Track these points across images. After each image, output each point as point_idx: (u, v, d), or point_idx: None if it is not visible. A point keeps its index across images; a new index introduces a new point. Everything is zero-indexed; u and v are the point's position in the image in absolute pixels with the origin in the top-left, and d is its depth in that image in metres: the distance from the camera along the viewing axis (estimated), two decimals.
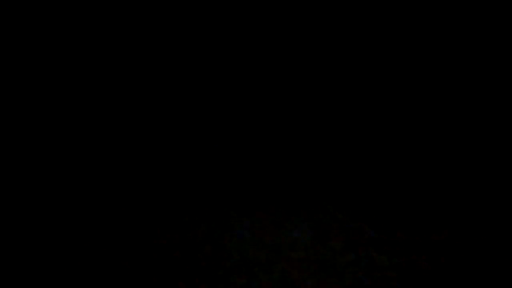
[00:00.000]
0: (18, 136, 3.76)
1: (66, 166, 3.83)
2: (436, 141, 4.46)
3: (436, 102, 4.10)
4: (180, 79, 4.14)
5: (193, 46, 3.95)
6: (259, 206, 3.66)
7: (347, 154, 4.34)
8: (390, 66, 3.83)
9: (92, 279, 2.94)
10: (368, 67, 3.99)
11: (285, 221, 3.49)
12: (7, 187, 3.53)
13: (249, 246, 3.25)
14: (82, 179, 3.84)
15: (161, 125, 4.24)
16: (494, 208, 3.69)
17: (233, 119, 4.52)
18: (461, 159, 4.30)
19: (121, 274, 2.99)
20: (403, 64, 3.77)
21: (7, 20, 3.87)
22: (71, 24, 4.01)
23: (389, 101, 4.29)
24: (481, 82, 3.66)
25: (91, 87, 4.08)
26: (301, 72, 4.14)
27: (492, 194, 3.85)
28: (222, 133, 4.43)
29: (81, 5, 4.01)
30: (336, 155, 4.31)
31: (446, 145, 4.42)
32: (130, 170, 4.02)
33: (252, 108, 4.51)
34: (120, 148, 4.14)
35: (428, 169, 4.15)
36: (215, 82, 4.16)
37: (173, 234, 3.34)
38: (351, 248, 3.23)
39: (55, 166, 3.82)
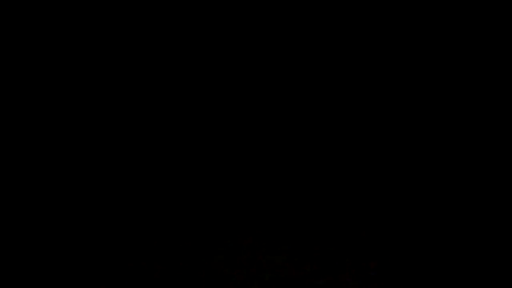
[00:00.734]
0: (18, 136, 3.80)
1: (65, 170, 3.87)
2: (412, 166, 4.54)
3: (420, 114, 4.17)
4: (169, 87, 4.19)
5: (192, 46, 4.01)
6: (238, 228, 3.72)
7: (327, 178, 4.40)
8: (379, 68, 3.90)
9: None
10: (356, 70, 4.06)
11: (262, 243, 3.54)
12: (7, 187, 3.56)
13: (225, 265, 3.30)
14: (80, 185, 3.88)
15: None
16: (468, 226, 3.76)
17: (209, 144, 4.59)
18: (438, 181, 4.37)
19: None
20: (394, 66, 3.85)
21: (7, 20, 3.92)
22: (71, 24, 4.06)
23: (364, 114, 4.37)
24: (480, 83, 3.73)
25: (91, 87, 4.13)
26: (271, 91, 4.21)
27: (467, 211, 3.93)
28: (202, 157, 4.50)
29: (81, 5, 4.07)
30: (316, 178, 4.38)
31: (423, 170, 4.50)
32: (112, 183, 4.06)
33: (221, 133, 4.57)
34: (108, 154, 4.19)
35: (404, 196, 4.22)
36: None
37: (154, 250, 3.38)
38: (325, 273, 3.29)
39: (54, 169, 3.86)
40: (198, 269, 3.25)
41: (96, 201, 3.84)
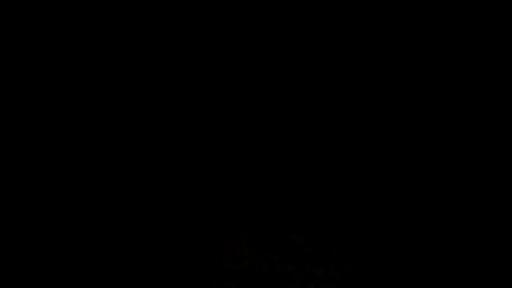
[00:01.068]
0: (18, 136, 3.81)
1: (64, 169, 3.89)
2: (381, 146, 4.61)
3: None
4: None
5: (191, 46, 4.03)
6: (200, 220, 3.77)
7: (288, 167, 4.46)
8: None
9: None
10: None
11: (225, 235, 3.60)
12: (7, 187, 3.57)
13: (189, 259, 3.35)
14: (76, 181, 3.90)
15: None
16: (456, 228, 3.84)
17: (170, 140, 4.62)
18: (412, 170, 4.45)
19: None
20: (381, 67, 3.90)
21: (7, 20, 3.91)
22: (71, 24, 4.07)
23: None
24: (480, 83, 3.79)
25: (90, 87, 4.14)
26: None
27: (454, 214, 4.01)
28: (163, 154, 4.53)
29: (81, 5, 4.07)
30: (276, 168, 4.44)
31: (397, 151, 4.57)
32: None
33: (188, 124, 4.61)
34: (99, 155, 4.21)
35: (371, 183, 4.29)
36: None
37: (115, 244, 3.42)
38: (289, 261, 3.36)
39: (53, 168, 3.88)
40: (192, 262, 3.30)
41: (93, 202, 3.87)
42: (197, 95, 4.20)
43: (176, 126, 4.71)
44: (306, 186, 4.25)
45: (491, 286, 3.15)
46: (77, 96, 4.07)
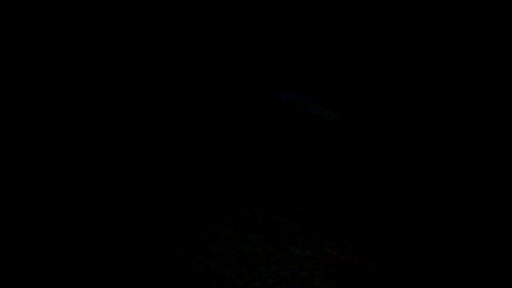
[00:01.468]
0: (16, 136, 3.81)
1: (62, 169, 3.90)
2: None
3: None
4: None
5: (187, 45, 4.03)
6: (179, 200, 3.80)
7: (268, 148, 4.50)
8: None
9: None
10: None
11: (205, 216, 3.64)
12: (6, 187, 3.58)
13: (169, 241, 3.39)
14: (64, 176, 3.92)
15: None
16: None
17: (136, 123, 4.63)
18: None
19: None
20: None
21: (7, 20, 3.91)
22: (71, 24, 4.06)
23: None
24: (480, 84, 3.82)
25: (86, 85, 4.14)
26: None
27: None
28: (133, 136, 4.54)
29: (81, 5, 4.06)
30: (257, 149, 4.47)
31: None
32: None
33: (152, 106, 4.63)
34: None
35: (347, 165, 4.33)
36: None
37: (91, 231, 3.45)
38: (270, 241, 3.41)
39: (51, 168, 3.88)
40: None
41: (91, 198, 3.88)
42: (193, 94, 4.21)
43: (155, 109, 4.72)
44: (289, 168, 4.28)
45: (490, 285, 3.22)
46: (73, 93, 4.07)
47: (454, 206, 3.81)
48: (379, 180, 4.09)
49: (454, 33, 3.70)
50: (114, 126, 4.58)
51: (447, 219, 3.66)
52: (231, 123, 4.81)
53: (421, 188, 4.00)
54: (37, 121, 4.10)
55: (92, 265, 3.14)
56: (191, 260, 3.20)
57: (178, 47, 4.37)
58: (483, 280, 3.10)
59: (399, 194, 3.93)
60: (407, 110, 4.51)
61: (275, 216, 3.66)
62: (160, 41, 4.35)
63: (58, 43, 4.29)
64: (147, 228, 3.46)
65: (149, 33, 4.34)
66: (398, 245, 3.39)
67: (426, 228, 3.57)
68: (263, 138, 4.62)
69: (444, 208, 3.79)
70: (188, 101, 4.96)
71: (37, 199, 3.71)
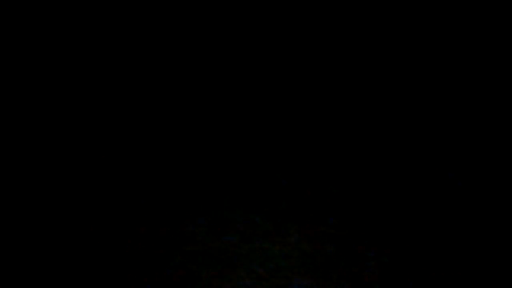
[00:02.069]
0: (17, 136, 3.76)
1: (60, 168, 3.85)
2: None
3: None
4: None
5: (188, 46, 4.01)
6: (156, 202, 3.79)
7: (244, 147, 4.50)
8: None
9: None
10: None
11: (183, 217, 3.63)
12: (6, 187, 3.53)
13: (146, 241, 3.37)
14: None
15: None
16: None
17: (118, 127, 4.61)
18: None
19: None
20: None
21: (7, 20, 3.86)
22: (70, 24, 4.02)
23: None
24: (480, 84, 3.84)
25: (87, 85, 4.10)
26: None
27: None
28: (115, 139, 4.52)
29: (80, 5, 4.02)
30: (232, 148, 4.47)
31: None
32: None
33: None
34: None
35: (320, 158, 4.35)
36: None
37: (65, 228, 3.43)
38: (247, 241, 3.41)
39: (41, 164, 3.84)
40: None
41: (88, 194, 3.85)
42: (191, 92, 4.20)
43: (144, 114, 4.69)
44: (265, 167, 4.29)
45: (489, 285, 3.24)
46: (73, 93, 4.04)
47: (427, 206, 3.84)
48: (355, 176, 4.11)
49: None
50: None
51: (424, 218, 3.69)
52: (207, 124, 4.81)
53: (396, 184, 4.03)
54: (37, 122, 4.06)
55: (70, 267, 3.11)
56: (170, 261, 3.19)
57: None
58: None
59: (374, 189, 3.95)
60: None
61: (252, 215, 3.66)
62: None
63: (58, 43, 4.26)
64: (124, 230, 3.44)
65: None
66: (376, 241, 3.40)
67: (402, 224, 3.59)
68: (239, 139, 4.62)
69: (422, 207, 3.82)
70: (167, 103, 4.94)
71: (26, 197, 3.67)
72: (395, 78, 4.40)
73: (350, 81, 4.49)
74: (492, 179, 4.01)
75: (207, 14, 4.18)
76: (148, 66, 4.49)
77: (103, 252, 3.27)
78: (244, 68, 4.46)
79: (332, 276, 3.12)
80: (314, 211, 3.72)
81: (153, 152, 4.40)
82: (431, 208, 3.76)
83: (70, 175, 4.09)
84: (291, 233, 3.48)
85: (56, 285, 2.99)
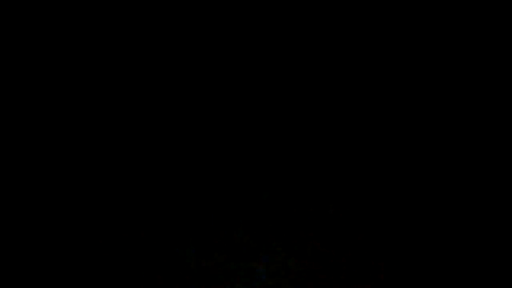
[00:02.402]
0: (15, 134, 3.70)
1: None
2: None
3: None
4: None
5: (190, 45, 3.97)
6: (141, 223, 3.74)
7: (228, 167, 4.46)
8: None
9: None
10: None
11: (167, 237, 3.58)
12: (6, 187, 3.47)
13: (131, 262, 3.32)
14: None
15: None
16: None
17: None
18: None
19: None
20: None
21: (7, 20, 3.81)
22: (70, 24, 3.98)
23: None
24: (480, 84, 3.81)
25: (87, 85, 4.05)
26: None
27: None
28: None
29: (80, 5, 3.98)
30: (216, 164, 4.43)
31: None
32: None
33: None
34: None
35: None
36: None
37: (52, 243, 3.38)
38: (233, 259, 3.36)
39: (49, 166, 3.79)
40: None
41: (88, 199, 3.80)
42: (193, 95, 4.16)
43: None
44: (248, 186, 4.25)
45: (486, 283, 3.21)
46: (75, 95, 3.99)
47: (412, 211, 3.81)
48: (344, 191, 4.08)
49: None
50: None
51: (412, 229, 3.66)
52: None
53: (383, 198, 4.00)
54: (37, 122, 4.01)
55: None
56: (153, 279, 3.14)
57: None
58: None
59: (362, 204, 3.93)
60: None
61: (238, 234, 3.62)
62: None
63: (58, 43, 4.21)
64: (108, 251, 3.39)
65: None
66: (365, 256, 3.37)
67: (390, 239, 3.56)
68: (223, 154, 4.58)
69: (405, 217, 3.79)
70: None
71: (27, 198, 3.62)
72: (387, 76, 4.38)
73: (336, 81, 4.46)
74: (492, 175, 4.00)
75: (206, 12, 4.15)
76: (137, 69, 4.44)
77: (83, 270, 3.21)
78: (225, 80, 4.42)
79: None
80: (301, 228, 3.68)
81: (135, 173, 4.36)
82: (420, 221, 3.74)
83: (67, 178, 4.04)
84: (277, 251, 3.43)
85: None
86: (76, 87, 4.03)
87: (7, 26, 3.86)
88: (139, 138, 4.45)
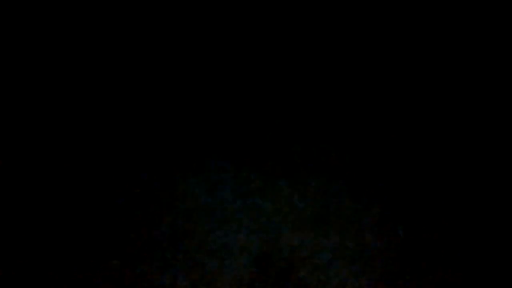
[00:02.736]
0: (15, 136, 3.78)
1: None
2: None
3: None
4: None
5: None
6: (148, 160, 3.80)
7: (235, 105, 4.50)
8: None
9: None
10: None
11: (173, 175, 3.65)
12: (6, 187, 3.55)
13: (138, 200, 3.41)
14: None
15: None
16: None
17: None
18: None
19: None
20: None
21: (7, 20, 3.86)
22: (71, 24, 4.01)
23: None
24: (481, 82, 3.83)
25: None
26: None
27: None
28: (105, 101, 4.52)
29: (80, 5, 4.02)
30: (223, 106, 4.48)
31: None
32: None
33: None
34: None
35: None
36: None
37: (60, 189, 3.45)
38: (239, 197, 3.45)
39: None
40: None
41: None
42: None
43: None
44: (255, 123, 4.30)
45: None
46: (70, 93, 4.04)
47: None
48: (347, 131, 4.13)
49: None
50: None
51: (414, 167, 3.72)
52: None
53: (390, 140, 4.05)
54: (36, 122, 4.07)
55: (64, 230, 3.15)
56: (160, 218, 3.23)
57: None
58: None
59: (367, 144, 3.98)
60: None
61: (244, 172, 3.69)
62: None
63: (58, 43, 4.25)
64: (115, 190, 3.47)
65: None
66: (367, 194, 3.44)
67: (394, 177, 3.62)
68: (230, 93, 4.62)
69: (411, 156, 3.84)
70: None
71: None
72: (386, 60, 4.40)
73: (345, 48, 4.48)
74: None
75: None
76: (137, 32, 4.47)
77: (96, 211, 3.30)
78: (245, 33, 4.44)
79: (322, 229, 3.17)
80: (305, 166, 3.75)
81: (144, 110, 4.41)
82: (427, 162, 3.79)
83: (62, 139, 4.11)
84: (283, 188, 3.51)
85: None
86: (71, 87, 4.06)
87: (7, 26, 3.88)
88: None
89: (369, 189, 3.49)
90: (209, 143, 4.01)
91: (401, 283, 2.81)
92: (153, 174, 3.66)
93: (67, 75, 4.39)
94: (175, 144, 4.00)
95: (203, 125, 4.24)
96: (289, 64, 4.81)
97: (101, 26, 4.26)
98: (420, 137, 4.01)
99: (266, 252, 3.03)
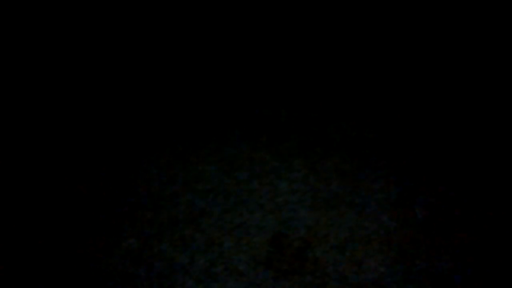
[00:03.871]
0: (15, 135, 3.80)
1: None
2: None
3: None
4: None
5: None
6: (165, 141, 3.82)
7: (250, 85, 4.51)
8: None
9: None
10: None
11: (191, 155, 3.67)
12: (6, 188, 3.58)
13: (155, 181, 3.43)
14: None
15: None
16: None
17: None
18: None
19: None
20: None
21: (7, 20, 3.88)
22: (71, 23, 4.03)
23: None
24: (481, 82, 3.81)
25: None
26: None
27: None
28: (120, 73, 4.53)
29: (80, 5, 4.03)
30: (238, 86, 4.48)
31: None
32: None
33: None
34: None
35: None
36: None
37: (75, 170, 3.48)
38: (255, 177, 3.46)
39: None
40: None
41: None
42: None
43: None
44: (270, 103, 4.30)
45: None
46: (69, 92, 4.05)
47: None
48: (364, 111, 4.12)
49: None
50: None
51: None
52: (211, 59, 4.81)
53: (404, 119, 4.04)
54: (36, 122, 4.09)
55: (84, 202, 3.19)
56: (177, 199, 3.25)
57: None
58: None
59: (381, 123, 3.97)
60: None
61: (260, 152, 3.70)
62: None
63: (58, 43, 4.26)
64: (133, 170, 3.49)
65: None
66: (382, 174, 3.44)
67: (407, 156, 3.62)
68: (242, 75, 4.62)
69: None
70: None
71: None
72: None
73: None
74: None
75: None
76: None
77: (113, 190, 3.33)
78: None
79: (338, 209, 3.17)
80: (321, 146, 3.75)
81: (155, 89, 4.42)
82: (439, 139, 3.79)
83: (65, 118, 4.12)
84: (298, 168, 3.52)
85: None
86: (69, 87, 4.06)
87: (7, 26, 3.89)
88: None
89: (386, 168, 3.49)
90: (225, 124, 4.02)
91: (418, 262, 2.81)
92: (170, 155, 3.67)
93: (66, 75, 4.40)
94: (191, 125, 4.01)
95: (219, 107, 4.25)
96: (306, 43, 4.80)
97: (87, 18, 4.25)
98: (441, 116, 3.99)
99: (282, 232, 3.03)
